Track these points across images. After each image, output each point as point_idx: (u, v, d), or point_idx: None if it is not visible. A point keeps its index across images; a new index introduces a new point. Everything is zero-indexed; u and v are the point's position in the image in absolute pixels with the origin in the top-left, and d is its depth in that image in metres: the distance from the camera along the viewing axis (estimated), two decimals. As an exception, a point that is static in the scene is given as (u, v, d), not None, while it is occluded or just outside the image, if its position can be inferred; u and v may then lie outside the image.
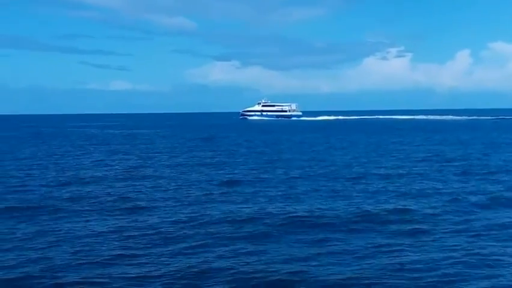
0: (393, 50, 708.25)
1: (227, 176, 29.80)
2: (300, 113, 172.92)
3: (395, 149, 47.94)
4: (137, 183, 26.90)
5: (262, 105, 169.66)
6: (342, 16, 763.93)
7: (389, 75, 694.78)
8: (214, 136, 74.98)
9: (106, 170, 33.12)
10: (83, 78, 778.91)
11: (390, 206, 20.18)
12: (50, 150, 50.02)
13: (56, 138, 73.52)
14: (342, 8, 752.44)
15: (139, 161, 39.23)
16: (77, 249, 14.57)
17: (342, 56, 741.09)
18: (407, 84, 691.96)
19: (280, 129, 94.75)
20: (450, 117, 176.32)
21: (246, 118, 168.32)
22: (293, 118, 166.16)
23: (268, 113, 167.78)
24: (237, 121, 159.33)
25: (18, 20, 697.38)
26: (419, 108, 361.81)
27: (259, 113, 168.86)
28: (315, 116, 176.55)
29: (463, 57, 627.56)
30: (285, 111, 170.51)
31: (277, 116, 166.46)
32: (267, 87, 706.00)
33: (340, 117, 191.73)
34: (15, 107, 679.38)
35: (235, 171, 31.70)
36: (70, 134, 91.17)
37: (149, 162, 38.15)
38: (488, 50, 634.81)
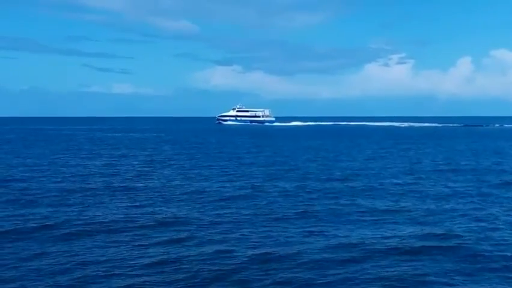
0: (395, 57, 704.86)
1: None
2: (273, 119, 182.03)
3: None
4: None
5: (237, 111, 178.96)
6: (344, 22, 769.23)
7: (391, 81, 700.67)
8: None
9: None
10: (85, 81, 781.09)
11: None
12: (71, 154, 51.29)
13: (67, 142, 74.90)
14: (345, 13, 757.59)
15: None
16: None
17: (344, 61, 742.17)
18: (409, 91, 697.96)
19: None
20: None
21: (221, 123, 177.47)
22: (266, 124, 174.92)
23: (243, 118, 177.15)
24: (213, 126, 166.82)
25: (22, 22, 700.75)
26: (421, 115, 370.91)
27: (234, 118, 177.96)
28: (287, 122, 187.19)
29: (465, 64, 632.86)
30: (259, 116, 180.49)
31: (251, 121, 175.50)
32: (269, 92, 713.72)
33: (311, 123, 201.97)
34: (17, 109, 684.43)
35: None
36: (77, 137, 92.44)
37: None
38: (490, 57, 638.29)
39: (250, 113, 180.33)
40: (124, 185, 29.18)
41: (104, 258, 14.63)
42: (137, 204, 23.13)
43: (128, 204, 22.96)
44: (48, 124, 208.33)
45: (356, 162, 42.46)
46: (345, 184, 29.52)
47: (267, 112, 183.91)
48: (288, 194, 26.15)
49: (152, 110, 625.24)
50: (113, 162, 42.99)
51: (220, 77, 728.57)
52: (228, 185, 29.20)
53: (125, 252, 15.32)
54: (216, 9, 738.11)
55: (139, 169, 37.38)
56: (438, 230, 18.00)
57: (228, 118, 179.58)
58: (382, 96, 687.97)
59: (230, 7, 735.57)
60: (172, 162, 42.47)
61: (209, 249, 15.62)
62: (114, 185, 29.15)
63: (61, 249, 15.54)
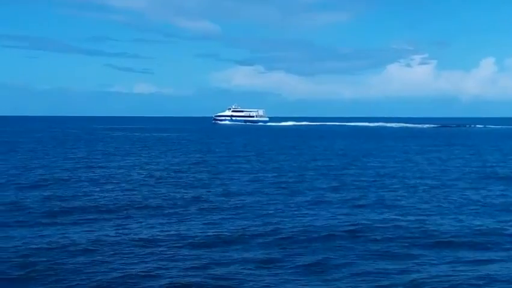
0: (417, 57, 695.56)
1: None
2: (267, 119, 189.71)
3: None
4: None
5: (232, 111, 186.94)
6: (366, 22, 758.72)
7: (413, 82, 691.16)
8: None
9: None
10: (107, 81, 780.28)
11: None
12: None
13: (98, 142, 74.84)
14: (367, 13, 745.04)
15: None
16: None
17: (366, 62, 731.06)
18: (431, 92, 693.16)
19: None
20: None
21: (217, 122, 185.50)
22: (259, 123, 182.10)
23: (238, 118, 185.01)
24: (209, 125, 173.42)
25: (45, 22, 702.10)
26: (443, 116, 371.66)
27: (229, 118, 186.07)
28: (279, 122, 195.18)
29: (488, 64, 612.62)
30: (252, 116, 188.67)
31: (245, 121, 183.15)
32: (291, 92, 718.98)
33: (304, 123, 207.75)
34: (40, 108, 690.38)
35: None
36: (102, 137, 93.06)
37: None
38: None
39: (244, 113, 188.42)
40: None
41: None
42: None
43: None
44: (72, 123, 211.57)
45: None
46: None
47: (260, 112, 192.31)
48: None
49: (173, 110, 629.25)
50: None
51: (242, 77, 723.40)
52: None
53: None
54: (238, 9, 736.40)
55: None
56: None
57: (223, 118, 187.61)
58: (404, 97, 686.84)
59: (252, 7, 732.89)
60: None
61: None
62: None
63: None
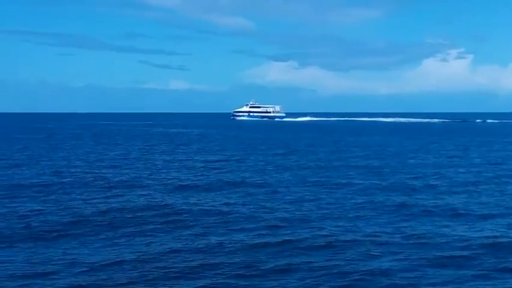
0: (454, 52, 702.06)
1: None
2: (284, 115, 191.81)
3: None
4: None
5: (250, 107, 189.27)
6: (401, 16, 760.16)
7: (449, 77, 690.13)
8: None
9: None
10: (142, 78, 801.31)
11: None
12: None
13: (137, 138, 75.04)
14: (401, 8, 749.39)
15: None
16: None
17: (400, 57, 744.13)
18: (468, 87, 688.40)
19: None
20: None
21: (235, 118, 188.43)
22: (276, 119, 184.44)
23: (255, 114, 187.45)
24: (230, 121, 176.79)
25: (80, 20, 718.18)
26: (481, 111, 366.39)
27: (247, 114, 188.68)
28: (296, 117, 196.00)
29: None
30: (269, 112, 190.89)
31: (262, 117, 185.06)
32: (325, 88, 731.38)
33: (318, 118, 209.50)
34: (74, 105, 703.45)
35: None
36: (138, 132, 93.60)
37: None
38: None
39: (262, 108, 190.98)
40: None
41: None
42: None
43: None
44: (110, 120, 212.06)
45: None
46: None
47: (277, 108, 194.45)
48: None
49: (207, 106, 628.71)
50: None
51: (276, 73, 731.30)
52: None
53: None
54: (271, 5, 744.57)
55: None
56: None
57: (241, 114, 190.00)
58: (440, 92, 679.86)
59: (285, 2, 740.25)
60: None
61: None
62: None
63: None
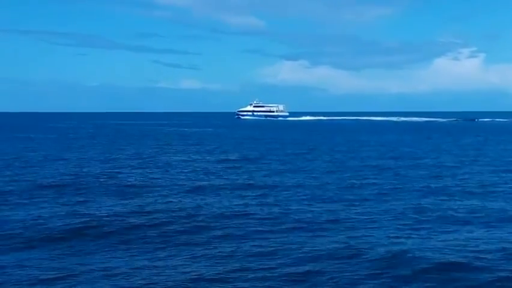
0: (466, 51, 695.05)
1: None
2: (287, 114, 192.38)
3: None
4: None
5: (254, 106, 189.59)
6: (412, 15, 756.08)
7: (461, 76, 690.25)
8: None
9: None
10: (155, 77, 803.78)
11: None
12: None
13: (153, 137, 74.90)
14: (413, 7, 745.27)
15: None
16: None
17: (412, 56, 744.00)
18: (480, 86, 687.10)
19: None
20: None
21: (239, 117, 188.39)
22: (279, 118, 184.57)
23: (259, 113, 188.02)
24: (234, 120, 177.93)
25: (93, 20, 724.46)
26: (493, 110, 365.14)
27: (250, 113, 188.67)
28: (299, 117, 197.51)
29: None
30: (273, 111, 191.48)
31: (266, 116, 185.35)
32: (336, 87, 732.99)
33: (322, 117, 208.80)
34: (88, 104, 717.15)
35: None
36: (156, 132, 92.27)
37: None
38: None
39: (265, 108, 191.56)
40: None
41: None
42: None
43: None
44: (123, 119, 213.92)
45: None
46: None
47: (281, 107, 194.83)
48: None
49: (218, 105, 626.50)
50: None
51: (287, 72, 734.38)
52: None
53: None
54: (283, 4, 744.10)
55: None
56: None
57: (245, 113, 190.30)
58: (452, 91, 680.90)
59: (297, 1, 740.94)
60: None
61: None
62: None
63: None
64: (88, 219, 18.54)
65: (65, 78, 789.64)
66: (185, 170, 33.74)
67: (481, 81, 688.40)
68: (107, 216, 19.01)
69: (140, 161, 39.82)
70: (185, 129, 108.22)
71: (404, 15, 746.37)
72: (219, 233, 16.85)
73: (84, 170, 33.42)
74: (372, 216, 19.24)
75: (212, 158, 42.23)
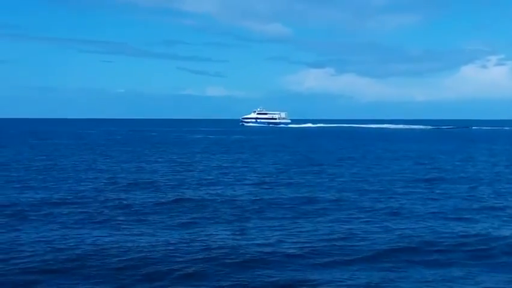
0: (494, 58, 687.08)
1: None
2: (289, 121, 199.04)
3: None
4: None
5: (257, 113, 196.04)
6: (438, 23, 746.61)
7: (489, 84, 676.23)
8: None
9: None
10: (180, 84, 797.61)
11: None
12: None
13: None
14: (439, 14, 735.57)
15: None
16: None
17: (438, 64, 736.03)
18: (508, 94, 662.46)
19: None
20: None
21: (243, 124, 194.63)
22: (281, 125, 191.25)
23: (262, 120, 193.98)
24: (240, 127, 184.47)
25: (119, 27, 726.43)
26: None
27: (254, 120, 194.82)
28: (300, 124, 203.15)
29: None
30: (275, 118, 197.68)
31: (268, 123, 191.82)
32: (362, 94, 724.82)
33: (321, 124, 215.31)
34: (114, 111, 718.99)
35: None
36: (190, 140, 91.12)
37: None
38: None
39: (268, 115, 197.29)
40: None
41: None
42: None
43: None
44: (150, 126, 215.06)
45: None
46: None
47: (283, 115, 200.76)
48: None
49: (243, 112, 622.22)
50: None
51: (313, 80, 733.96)
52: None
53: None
54: (308, 12, 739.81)
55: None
56: None
57: (249, 120, 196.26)
58: (480, 99, 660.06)
59: (322, 10, 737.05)
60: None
61: None
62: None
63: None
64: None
65: (93, 85, 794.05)
66: (225, 180, 33.03)
67: (509, 89, 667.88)
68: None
69: (177, 167, 40.86)
70: (213, 137, 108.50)
71: (429, 23, 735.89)
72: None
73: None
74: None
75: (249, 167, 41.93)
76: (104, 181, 31.63)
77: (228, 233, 18.30)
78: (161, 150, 61.58)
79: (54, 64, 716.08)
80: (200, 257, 15.20)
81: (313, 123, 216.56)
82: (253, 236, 17.77)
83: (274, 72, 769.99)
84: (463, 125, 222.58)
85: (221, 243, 16.76)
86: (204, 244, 16.55)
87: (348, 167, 42.00)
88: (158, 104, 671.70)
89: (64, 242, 16.71)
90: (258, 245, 16.60)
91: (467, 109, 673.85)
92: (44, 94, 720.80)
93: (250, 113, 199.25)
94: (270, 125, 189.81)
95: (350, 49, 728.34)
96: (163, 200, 24.72)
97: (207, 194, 27.09)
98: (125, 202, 24.03)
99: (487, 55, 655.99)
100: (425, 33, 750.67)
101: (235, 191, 28.36)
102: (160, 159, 48.52)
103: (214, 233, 18.27)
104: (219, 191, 27.96)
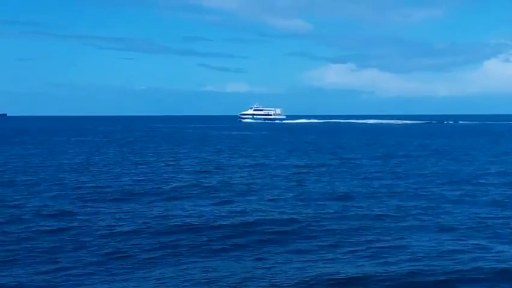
0: None
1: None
2: (284, 117, 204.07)
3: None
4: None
5: (254, 110, 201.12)
6: (461, 17, 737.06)
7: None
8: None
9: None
10: (201, 81, 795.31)
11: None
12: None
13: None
14: (462, 8, 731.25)
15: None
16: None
17: (462, 58, 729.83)
18: None
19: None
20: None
21: (241, 120, 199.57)
22: (276, 121, 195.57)
23: (258, 116, 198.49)
24: (237, 123, 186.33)
25: (140, 24, 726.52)
26: None
27: (251, 116, 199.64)
28: (294, 119, 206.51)
29: None
30: (270, 115, 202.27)
31: (264, 119, 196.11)
32: (384, 90, 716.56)
33: (314, 120, 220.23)
34: (136, 108, 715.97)
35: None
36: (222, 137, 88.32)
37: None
38: None
39: (264, 111, 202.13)
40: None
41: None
42: None
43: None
44: (173, 122, 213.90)
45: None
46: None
47: (278, 111, 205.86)
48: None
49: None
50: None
51: (334, 75, 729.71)
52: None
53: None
54: (330, 6, 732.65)
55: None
56: None
57: (246, 116, 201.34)
58: (504, 94, 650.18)
59: (344, 4, 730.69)
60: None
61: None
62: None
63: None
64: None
65: (113, 82, 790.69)
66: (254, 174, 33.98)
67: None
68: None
69: (208, 166, 39.72)
70: (236, 133, 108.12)
71: (453, 17, 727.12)
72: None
73: (153, 176, 33.32)
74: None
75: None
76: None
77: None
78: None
79: (74, 62, 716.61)
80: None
81: (306, 119, 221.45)
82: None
83: (295, 68, 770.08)
84: (486, 120, 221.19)
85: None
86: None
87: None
88: (180, 100, 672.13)
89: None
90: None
91: (491, 103, 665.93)
92: (64, 92, 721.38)
93: (247, 109, 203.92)
94: (266, 121, 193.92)
95: (371, 44, 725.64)
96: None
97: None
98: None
99: (510, 49, 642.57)
100: (448, 27, 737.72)
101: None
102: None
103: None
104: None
